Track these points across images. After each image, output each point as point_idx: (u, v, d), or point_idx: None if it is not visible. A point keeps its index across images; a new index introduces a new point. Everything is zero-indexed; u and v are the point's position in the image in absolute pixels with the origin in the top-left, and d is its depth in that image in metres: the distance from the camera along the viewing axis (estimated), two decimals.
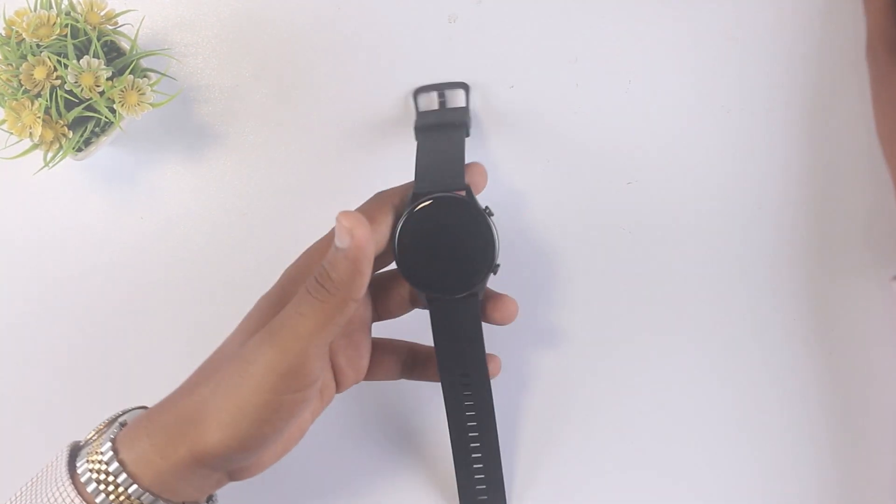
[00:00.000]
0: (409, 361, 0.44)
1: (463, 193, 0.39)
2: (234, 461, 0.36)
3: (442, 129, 0.43)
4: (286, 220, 0.50)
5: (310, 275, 0.35)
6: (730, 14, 0.51)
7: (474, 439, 0.44)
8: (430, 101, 0.45)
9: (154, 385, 0.48)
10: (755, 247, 0.49)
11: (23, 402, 0.48)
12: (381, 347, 0.43)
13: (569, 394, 0.49)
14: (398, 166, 0.47)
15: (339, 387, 0.41)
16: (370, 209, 0.38)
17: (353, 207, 0.39)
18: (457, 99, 0.47)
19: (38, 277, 0.49)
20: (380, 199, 0.39)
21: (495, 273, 0.39)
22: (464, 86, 0.45)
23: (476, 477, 0.45)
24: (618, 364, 0.49)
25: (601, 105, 0.51)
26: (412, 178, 0.40)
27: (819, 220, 0.49)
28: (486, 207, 0.39)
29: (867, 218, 0.49)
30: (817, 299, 0.49)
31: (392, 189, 0.40)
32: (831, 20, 0.51)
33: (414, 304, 0.42)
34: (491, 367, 0.42)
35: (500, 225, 0.40)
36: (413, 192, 0.39)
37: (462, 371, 0.41)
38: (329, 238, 0.40)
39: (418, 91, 0.45)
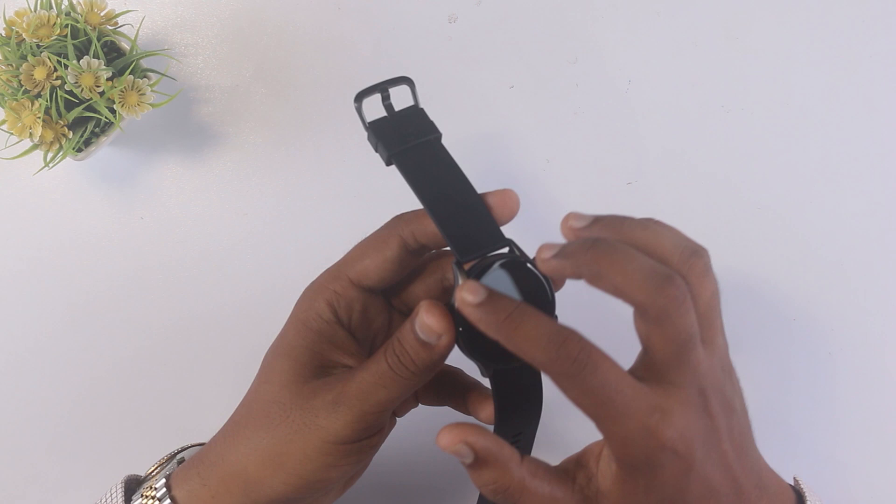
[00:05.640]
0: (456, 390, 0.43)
1: (506, 250, 0.36)
2: (291, 503, 0.37)
3: (421, 152, 0.38)
4: (286, 220, 0.50)
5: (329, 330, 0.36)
6: (730, 14, 0.51)
7: None
8: (376, 106, 0.38)
9: (152, 384, 0.48)
10: (755, 247, 0.49)
11: (15, 400, 0.48)
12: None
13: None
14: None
15: (397, 412, 0.42)
16: (378, 238, 0.38)
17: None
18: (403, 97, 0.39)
19: (37, 277, 0.49)
20: (391, 227, 0.38)
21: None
22: (407, 80, 0.39)
23: None
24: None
25: (601, 105, 0.51)
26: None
27: (819, 219, 0.49)
28: (533, 260, 0.36)
29: (867, 217, 0.49)
30: (818, 298, 0.49)
31: (406, 215, 0.38)
32: (831, 20, 0.51)
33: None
34: None
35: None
36: (456, 261, 0.35)
37: (517, 431, 0.39)
38: (334, 278, 0.38)
39: (360, 97, 0.38)
